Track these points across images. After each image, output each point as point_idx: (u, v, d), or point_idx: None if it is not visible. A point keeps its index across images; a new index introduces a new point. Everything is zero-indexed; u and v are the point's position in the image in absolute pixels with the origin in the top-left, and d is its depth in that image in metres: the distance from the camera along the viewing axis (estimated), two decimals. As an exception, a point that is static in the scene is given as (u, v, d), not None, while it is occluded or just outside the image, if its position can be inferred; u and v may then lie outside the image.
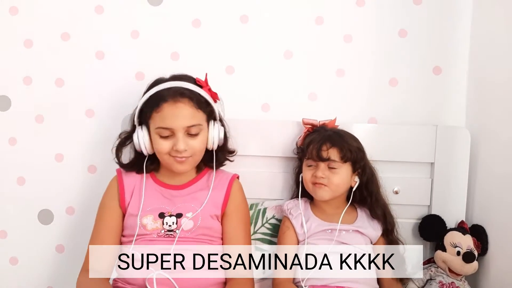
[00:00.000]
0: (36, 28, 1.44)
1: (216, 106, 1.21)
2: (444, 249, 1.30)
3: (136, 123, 1.19)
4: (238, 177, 1.29)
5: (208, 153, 1.23)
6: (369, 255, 1.24)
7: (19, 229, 1.48)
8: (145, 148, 1.18)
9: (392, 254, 1.25)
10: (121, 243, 1.20)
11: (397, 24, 1.45)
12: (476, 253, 1.28)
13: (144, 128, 1.17)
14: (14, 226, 1.49)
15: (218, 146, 1.23)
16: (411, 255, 1.34)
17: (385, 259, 1.25)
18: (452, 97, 1.47)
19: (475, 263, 1.27)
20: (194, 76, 1.21)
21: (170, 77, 1.19)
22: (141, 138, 1.17)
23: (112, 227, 1.20)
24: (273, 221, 1.37)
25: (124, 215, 1.21)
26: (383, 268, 1.24)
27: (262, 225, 1.37)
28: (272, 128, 1.41)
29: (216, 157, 1.23)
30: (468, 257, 1.26)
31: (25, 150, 1.46)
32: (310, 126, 1.33)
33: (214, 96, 1.21)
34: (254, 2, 1.45)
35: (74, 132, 1.46)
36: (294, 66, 1.46)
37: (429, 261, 1.36)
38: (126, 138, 1.24)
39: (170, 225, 1.16)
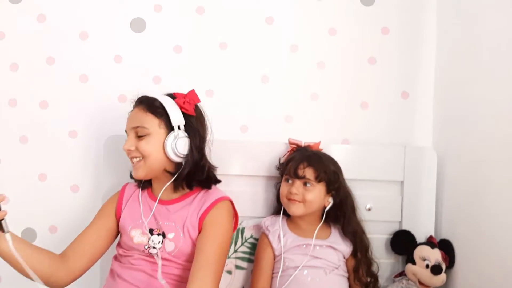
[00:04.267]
0: (22, 52, 1.47)
1: (176, 115, 1.17)
2: (414, 263, 1.36)
3: None
4: (230, 200, 1.23)
5: (196, 173, 1.20)
6: (341, 269, 1.28)
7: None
8: None
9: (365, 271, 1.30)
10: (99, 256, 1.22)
11: (367, 52, 1.54)
12: (443, 266, 1.34)
13: None
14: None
15: (196, 161, 1.19)
16: (383, 269, 1.39)
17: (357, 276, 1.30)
18: (419, 120, 1.55)
19: (443, 275, 1.33)
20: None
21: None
22: None
23: (99, 224, 1.21)
24: (251, 240, 1.41)
25: (118, 223, 1.23)
26: (355, 283, 1.29)
27: (242, 244, 1.41)
28: (251, 148, 1.46)
29: (196, 173, 1.20)
30: (436, 270, 1.32)
31: (9, 170, 1.47)
32: (294, 145, 1.40)
33: (187, 108, 1.19)
34: (232, 30, 1.52)
35: (58, 153, 1.48)
36: (271, 90, 1.53)
37: (400, 274, 1.42)
38: None
39: (155, 244, 1.15)
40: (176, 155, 1.16)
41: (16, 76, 1.47)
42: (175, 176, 1.19)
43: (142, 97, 1.21)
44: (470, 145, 1.35)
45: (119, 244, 1.23)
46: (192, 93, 1.23)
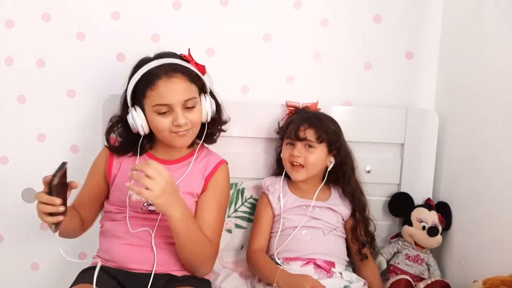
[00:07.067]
0: (17, 9, 1.43)
1: (205, 79, 1.22)
2: (411, 224, 1.38)
3: (129, 104, 1.18)
4: (226, 163, 1.29)
5: (201, 126, 1.24)
6: (340, 230, 1.31)
7: (3, 207, 1.50)
8: (142, 128, 1.17)
9: (362, 230, 1.32)
10: (103, 206, 1.26)
11: (372, 10, 1.49)
12: (440, 227, 1.36)
13: (138, 108, 1.17)
14: (-2, 204, 1.51)
15: (212, 118, 1.25)
16: (380, 231, 1.42)
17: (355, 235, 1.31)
18: (423, 81, 1.53)
19: (439, 237, 1.36)
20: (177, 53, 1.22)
21: (155, 56, 1.19)
22: (137, 118, 1.16)
23: (92, 187, 1.24)
24: (251, 200, 1.44)
25: (108, 183, 1.23)
26: (352, 242, 1.31)
27: (242, 204, 1.44)
28: (252, 110, 1.45)
29: (209, 130, 1.26)
30: (432, 231, 1.34)
31: (8, 130, 1.47)
32: (292, 108, 1.38)
33: (202, 69, 1.22)
34: (234, -15, 1.46)
35: (56, 112, 1.47)
36: (273, 49, 1.49)
37: (397, 236, 1.44)
38: (117, 122, 1.23)
39: None
40: (211, 117, 1.23)
41: (12, 33, 1.44)
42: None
43: (173, 64, 1.15)
44: (472, 108, 1.33)
45: (108, 201, 1.24)
46: (190, 54, 1.22)
